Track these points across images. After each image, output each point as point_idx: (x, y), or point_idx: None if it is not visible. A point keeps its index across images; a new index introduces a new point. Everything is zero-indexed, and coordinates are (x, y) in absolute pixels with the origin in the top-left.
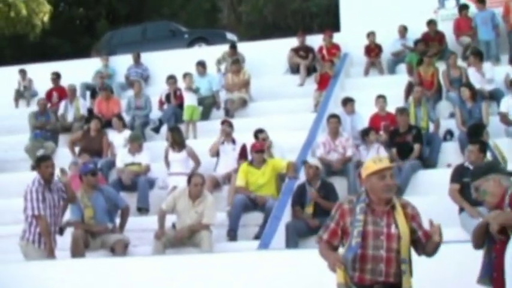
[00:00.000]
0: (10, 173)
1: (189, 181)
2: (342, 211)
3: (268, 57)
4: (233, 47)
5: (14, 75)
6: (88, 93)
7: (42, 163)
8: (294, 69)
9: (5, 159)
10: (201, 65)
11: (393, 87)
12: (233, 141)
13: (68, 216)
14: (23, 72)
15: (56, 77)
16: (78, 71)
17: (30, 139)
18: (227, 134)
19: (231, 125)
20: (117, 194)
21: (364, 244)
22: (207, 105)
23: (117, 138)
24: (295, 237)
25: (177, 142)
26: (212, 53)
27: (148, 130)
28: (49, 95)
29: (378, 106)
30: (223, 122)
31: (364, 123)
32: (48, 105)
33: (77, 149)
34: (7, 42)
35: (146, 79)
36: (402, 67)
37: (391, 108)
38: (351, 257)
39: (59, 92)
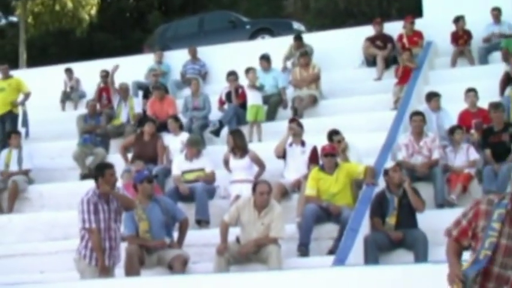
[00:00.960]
0: (58, 182)
1: (253, 189)
2: (477, 211)
3: (340, 48)
4: (298, 38)
5: (59, 75)
6: (140, 93)
7: (107, 170)
8: (370, 61)
9: (52, 168)
10: (265, 59)
11: (485, 79)
12: (302, 143)
13: (121, 230)
14: (69, 72)
15: (106, 75)
16: (129, 69)
17: (78, 145)
18: (296, 133)
19: (300, 125)
20: (175, 204)
21: (491, 258)
22: (273, 103)
23: (173, 142)
24: (375, 252)
25: (239, 146)
26: (277, 45)
27: (207, 133)
28: (99, 95)
29: (468, 101)
30: (291, 121)
31: (452, 120)
32: (98, 106)
33: (129, 156)
34: (52, 39)
35: (204, 76)
36: (496, 56)
37: (483, 103)
38: (473, 274)
39: (109, 92)
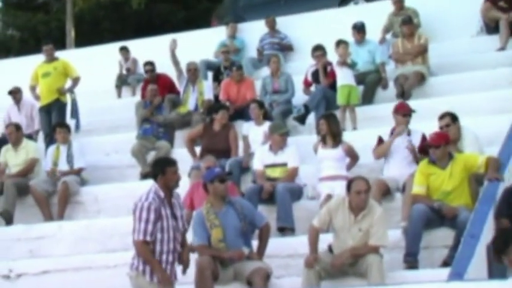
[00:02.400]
0: (115, 183)
1: (348, 187)
2: None
3: (452, 12)
4: (399, 1)
5: (113, 55)
6: (210, 74)
7: (168, 168)
8: (491, 27)
9: (108, 165)
10: (359, 30)
11: None
12: (408, 133)
13: (189, 238)
14: (125, 51)
15: (152, 68)
16: (196, 46)
17: (137, 138)
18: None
19: (409, 113)
20: (254, 208)
21: None
22: (370, 83)
23: (254, 132)
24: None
25: (333, 133)
26: (373, 12)
27: (290, 120)
28: (143, 89)
29: None
30: (399, 108)
31: None
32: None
33: (198, 150)
34: (104, 12)
35: (286, 52)
36: None
37: None
38: None
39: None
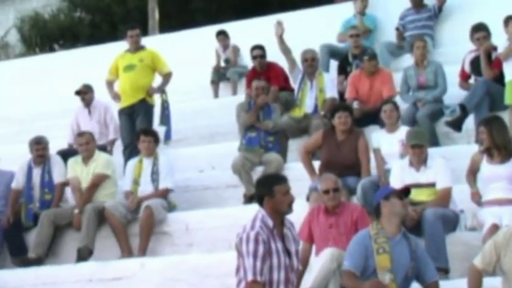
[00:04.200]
0: (211, 208)
1: None
2: None
3: None
4: None
5: (208, 42)
6: (333, 64)
7: (276, 187)
8: None
9: (203, 185)
10: None
11: None
12: None
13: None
14: (223, 36)
15: (261, 54)
16: (313, 27)
17: (240, 149)
18: None
19: None
20: (428, 256)
21: None
22: None
23: (388, 142)
24: None
25: (498, 144)
26: None
27: (441, 125)
28: (248, 83)
29: None
30: None
31: None
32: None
33: (316, 165)
34: None
35: (432, 31)
36: None
37: None
38: None
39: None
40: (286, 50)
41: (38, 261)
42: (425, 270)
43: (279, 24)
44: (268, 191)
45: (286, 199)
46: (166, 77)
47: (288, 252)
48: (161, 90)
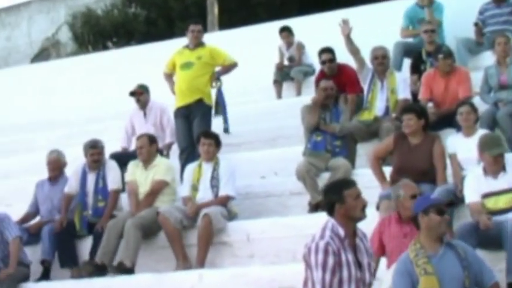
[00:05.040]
0: (274, 217)
1: None
2: None
3: None
4: None
5: (271, 39)
6: (406, 63)
7: (346, 191)
8: None
9: (265, 192)
10: None
11: None
12: None
13: None
14: (286, 33)
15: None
16: (379, 22)
17: (305, 154)
18: None
19: None
20: (480, 258)
21: None
22: None
23: (464, 147)
24: None
25: None
26: None
27: None
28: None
29: None
30: None
31: None
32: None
33: (387, 171)
34: None
35: None
36: None
37: None
38: None
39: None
40: (354, 51)
41: (103, 270)
42: (482, 275)
43: (345, 23)
44: (338, 197)
45: (358, 203)
46: (229, 66)
47: (359, 265)
48: (218, 78)
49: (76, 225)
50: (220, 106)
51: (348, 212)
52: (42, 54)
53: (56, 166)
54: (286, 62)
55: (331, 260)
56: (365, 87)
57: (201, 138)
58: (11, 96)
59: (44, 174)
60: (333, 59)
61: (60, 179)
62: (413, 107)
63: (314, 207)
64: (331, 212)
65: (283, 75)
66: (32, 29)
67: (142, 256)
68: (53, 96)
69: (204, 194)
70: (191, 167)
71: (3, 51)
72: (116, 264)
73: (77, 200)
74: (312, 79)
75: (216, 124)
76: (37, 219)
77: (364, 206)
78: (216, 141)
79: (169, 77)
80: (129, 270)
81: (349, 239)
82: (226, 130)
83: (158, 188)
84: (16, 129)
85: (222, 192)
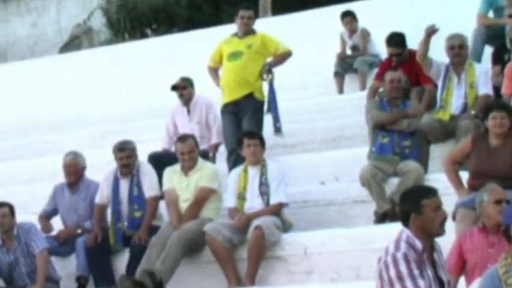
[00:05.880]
0: (335, 228)
1: None
2: None
3: None
4: None
5: (331, 26)
6: (487, 52)
7: (426, 201)
8: None
9: (324, 200)
10: None
11: None
12: None
13: None
14: (350, 18)
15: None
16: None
17: (369, 156)
18: None
19: None
20: None
21: None
22: None
23: None
24: None
25: None
26: None
27: None
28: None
29: None
30: None
31: None
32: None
33: (464, 176)
34: None
35: None
36: None
37: None
38: None
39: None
40: (425, 54)
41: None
42: None
43: (432, 28)
44: (415, 206)
45: (437, 216)
46: (283, 55)
47: (441, 282)
48: (269, 70)
49: (110, 238)
50: (271, 102)
51: (425, 225)
52: (72, 43)
53: (73, 170)
54: (348, 52)
55: (415, 269)
56: (438, 84)
57: (244, 139)
58: (37, 91)
59: None
60: (402, 47)
61: (80, 185)
62: (505, 104)
63: (381, 217)
64: (405, 222)
65: (346, 66)
66: (62, 15)
67: (186, 271)
68: (84, 90)
69: (253, 203)
70: (235, 173)
71: (29, 40)
72: (148, 270)
73: (110, 210)
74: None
75: (265, 123)
76: (57, 222)
77: (443, 220)
78: (262, 142)
79: (214, 71)
80: (158, 285)
81: (427, 252)
82: (278, 130)
83: (204, 197)
84: (42, 128)
85: (274, 199)
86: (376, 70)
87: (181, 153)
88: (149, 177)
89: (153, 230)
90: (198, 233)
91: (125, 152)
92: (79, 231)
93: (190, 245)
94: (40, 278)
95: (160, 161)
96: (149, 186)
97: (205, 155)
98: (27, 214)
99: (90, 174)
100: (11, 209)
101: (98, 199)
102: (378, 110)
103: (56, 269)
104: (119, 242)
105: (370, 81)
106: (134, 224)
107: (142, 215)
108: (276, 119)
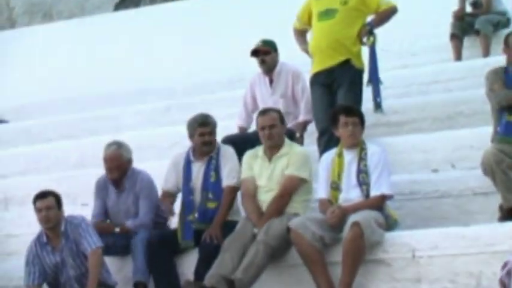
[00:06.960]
0: (450, 226)
1: None
2: None
3: None
4: None
5: None
6: None
7: None
8: None
9: (438, 192)
10: None
11: None
12: None
13: None
14: None
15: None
16: None
17: (493, 139)
18: None
19: None
20: None
21: None
22: None
23: None
24: None
25: None
26: None
27: None
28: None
29: None
30: None
31: None
32: None
33: None
34: None
35: None
36: None
37: None
38: None
39: None
40: None
41: None
42: None
43: None
44: None
45: None
46: (386, 13)
47: None
48: (370, 31)
49: (178, 233)
50: (372, 71)
51: None
52: None
53: (115, 165)
54: (468, 9)
55: None
56: None
57: (339, 116)
58: (87, 57)
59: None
60: None
61: (125, 182)
62: None
63: (507, 214)
64: None
65: (465, 27)
66: None
67: (266, 277)
68: (143, 55)
69: (350, 195)
70: (327, 158)
71: None
72: (226, 277)
73: (181, 200)
74: (506, 33)
75: (365, 97)
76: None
77: None
78: (361, 120)
79: (301, 34)
80: None
81: None
82: (378, 106)
83: (292, 188)
84: (94, 103)
85: (375, 191)
86: (502, 31)
87: (261, 127)
88: (231, 162)
89: (228, 226)
90: (283, 237)
91: (207, 127)
92: (117, 230)
93: (274, 251)
94: (93, 283)
95: (237, 145)
96: (229, 173)
97: (291, 136)
98: (77, 205)
99: (151, 156)
100: (57, 199)
101: (165, 185)
102: (504, 86)
103: (110, 272)
104: (188, 239)
105: (495, 45)
106: (207, 217)
107: (217, 206)
108: (377, 93)
